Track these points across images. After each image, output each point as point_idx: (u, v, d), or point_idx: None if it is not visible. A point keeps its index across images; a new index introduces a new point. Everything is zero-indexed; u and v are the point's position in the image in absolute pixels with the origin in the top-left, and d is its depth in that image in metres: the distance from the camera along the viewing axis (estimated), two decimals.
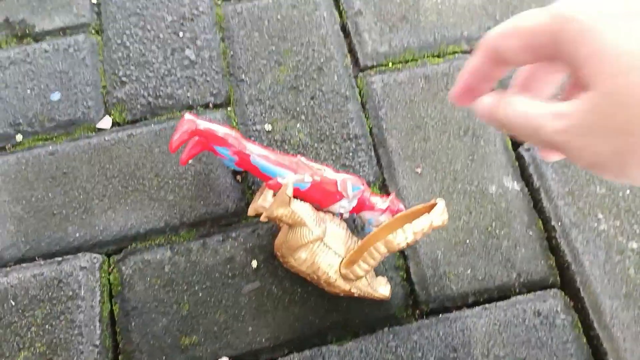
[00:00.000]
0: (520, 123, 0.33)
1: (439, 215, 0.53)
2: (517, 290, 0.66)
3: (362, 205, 0.64)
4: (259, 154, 0.63)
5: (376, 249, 0.54)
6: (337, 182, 0.62)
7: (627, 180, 0.33)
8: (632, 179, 0.32)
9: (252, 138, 0.74)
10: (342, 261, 0.60)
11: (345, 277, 0.60)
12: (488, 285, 0.66)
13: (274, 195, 0.63)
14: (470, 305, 0.65)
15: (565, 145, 0.32)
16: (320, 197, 0.63)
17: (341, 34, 0.82)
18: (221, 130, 0.63)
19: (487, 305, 0.65)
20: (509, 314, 0.64)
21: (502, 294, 0.66)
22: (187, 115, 0.63)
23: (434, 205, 0.55)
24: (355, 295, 0.62)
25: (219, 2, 0.85)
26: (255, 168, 0.63)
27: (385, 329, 0.64)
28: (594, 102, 0.30)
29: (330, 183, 0.62)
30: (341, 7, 0.84)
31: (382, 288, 0.63)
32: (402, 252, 0.68)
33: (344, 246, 0.61)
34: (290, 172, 0.63)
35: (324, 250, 0.60)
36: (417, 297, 0.66)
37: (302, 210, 0.59)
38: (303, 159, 0.65)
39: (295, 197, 0.61)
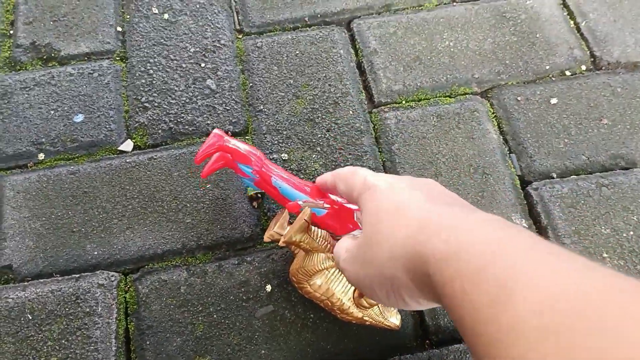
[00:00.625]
0: (334, 252, 0.50)
1: None
2: None
3: None
4: (279, 176, 0.65)
5: None
6: (354, 212, 0.64)
7: (382, 303, 0.46)
8: (381, 301, 0.44)
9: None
10: (355, 289, 0.62)
11: (358, 305, 0.61)
12: None
13: (290, 222, 0.65)
14: None
15: (344, 270, 0.47)
16: (335, 225, 0.65)
17: (357, 71, 0.86)
18: (245, 148, 0.65)
19: None
20: None
21: None
22: (216, 130, 0.65)
23: None
24: (367, 323, 0.63)
25: (240, 36, 0.88)
26: (275, 190, 0.65)
27: (396, 358, 0.65)
28: (360, 241, 0.45)
29: (348, 212, 0.64)
30: (357, 46, 0.88)
31: (392, 317, 0.65)
32: None
33: None
34: (309, 197, 0.65)
35: (338, 277, 0.62)
36: (427, 328, 0.68)
37: (321, 235, 0.61)
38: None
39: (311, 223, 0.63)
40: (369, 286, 0.44)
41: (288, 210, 0.64)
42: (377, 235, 0.42)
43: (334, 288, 0.62)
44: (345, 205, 0.63)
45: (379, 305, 0.63)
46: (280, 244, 0.61)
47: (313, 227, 0.62)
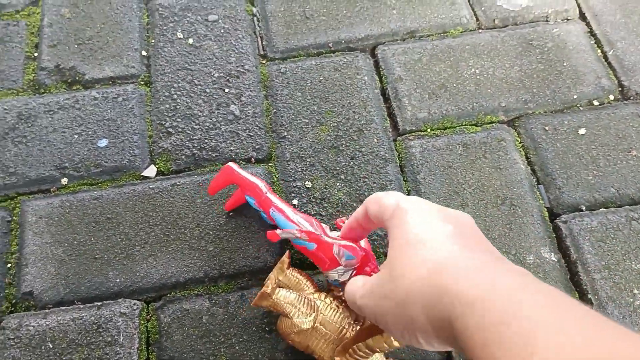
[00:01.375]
0: (347, 291, 0.50)
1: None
2: None
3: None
4: (277, 207, 0.66)
5: (367, 345, 0.54)
6: (332, 246, 0.61)
7: (396, 338, 0.46)
8: (395, 337, 0.43)
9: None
10: (336, 347, 0.59)
11: None
12: None
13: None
14: None
15: (362, 307, 0.46)
16: (323, 260, 0.62)
17: (381, 98, 0.85)
18: (251, 179, 0.67)
19: None
20: None
21: None
22: (230, 163, 0.68)
23: None
24: None
25: (264, 62, 0.88)
26: (273, 220, 0.66)
27: None
28: (381, 274, 0.44)
29: (328, 248, 0.61)
30: (382, 73, 0.87)
31: None
32: None
33: (337, 333, 0.59)
34: (300, 228, 0.63)
35: (316, 336, 0.60)
36: None
37: (288, 300, 0.60)
38: (323, 225, 0.66)
39: (298, 258, 0.62)
40: (383, 322, 0.43)
41: (267, 237, 0.64)
42: (399, 268, 0.41)
43: (313, 346, 0.60)
44: (323, 239, 0.61)
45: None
46: (266, 290, 0.60)
47: (295, 275, 0.64)
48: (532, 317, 0.30)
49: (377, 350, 0.54)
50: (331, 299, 0.61)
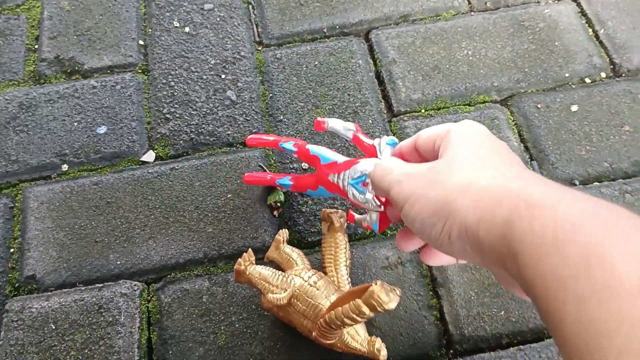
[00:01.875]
0: (383, 166, 0.46)
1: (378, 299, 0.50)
2: (550, 334, 0.67)
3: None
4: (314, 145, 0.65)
5: (336, 314, 0.53)
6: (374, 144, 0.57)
7: (420, 231, 0.40)
8: (420, 228, 0.39)
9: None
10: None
11: (323, 334, 0.59)
12: (522, 327, 0.67)
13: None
14: (504, 347, 0.66)
15: (398, 181, 0.42)
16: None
17: (376, 80, 0.86)
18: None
19: (521, 346, 0.66)
20: (544, 356, 0.65)
21: (536, 336, 0.67)
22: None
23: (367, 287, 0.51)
24: (339, 349, 0.62)
25: (260, 48, 0.89)
26: (315, 157, 0.63)
27: None
28: (435, 164, 0.41)
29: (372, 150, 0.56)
30: (376, 56, 0.88)
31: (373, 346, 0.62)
32: (435, 292, 0.69)
33: (313, 309, 0.59)
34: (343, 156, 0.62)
35: (294, 312, 0.60)
36: (451, 337, 0.67)
37: (262, 277, 0.61)
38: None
39: (296, 238, 0.63)
40: (417, 205, 0.39)
41: (315, 128, 0.63)
42: (459, 162, 0.39)
43: (293, 320, 0.61)
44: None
45: (350, 334, 0.61)
46: (238, 267, 0.62)
47: (287, 253, 0.67)
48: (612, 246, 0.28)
49: (349, 320, 0.52)
50: (317, 278, 0.62)
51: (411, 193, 0.40)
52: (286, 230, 0.70)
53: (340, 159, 0.61)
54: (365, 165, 0.54)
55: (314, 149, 0.64)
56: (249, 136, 0.72)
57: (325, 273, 0.66)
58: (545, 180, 0.36)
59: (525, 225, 0.31)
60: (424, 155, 0.46)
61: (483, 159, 0.39)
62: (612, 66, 0.87)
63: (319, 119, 0.62)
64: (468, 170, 0.38)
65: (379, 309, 0.49)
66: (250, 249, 0.63)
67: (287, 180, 0.68)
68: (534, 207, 0.32)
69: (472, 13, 0.93)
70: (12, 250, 0.73)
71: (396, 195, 0.41)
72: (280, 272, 0.63)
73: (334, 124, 0.61)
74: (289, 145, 0.67)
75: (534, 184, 0.34)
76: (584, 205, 0.31)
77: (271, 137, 0.71)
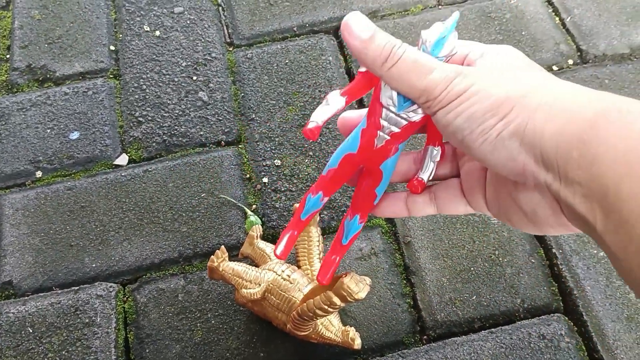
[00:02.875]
0: (408, 66, 0.34)
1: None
2: (522, 316, 0.68)
3: None
4: None
5: (308, 306, 0.54)
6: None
7: (464, 141, 0.33)
8: (468, 139, 0.33)
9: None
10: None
11: (297, 326, 0.60)
12: (493, 311, 0.68)
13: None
14: (477, 330, 0.67)
15: (444, 79, 0.33)
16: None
17: (346, 76, 0.87)
18: None
19: (493, 329, 0.67)
20: (515, 338, 0.66)
21: (507, 319, 0.68)
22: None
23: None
24: (314, 340, 0.62)
25: (231, 49, 0.90)
26: None
27: (395, 354, 0.66)
28: (486, 67, 0.34)
29: None
30: (346, 52, 0.89)
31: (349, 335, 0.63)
32: (408, 280, 0.70)
33: (287, 302, 0.60)
34: None
35: (269, 306, 0.61)
36: (424, 323, 0.68)
37: (235, 272, 0.62)
38: None
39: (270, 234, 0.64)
40: (469, 104, 0.32)
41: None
42: (526, 69, 0.34)
43: (268, 314, 0.62)
44: None
45: (324, 325, 0.62)
46: (211, 264, 0.63)
47: (261, 249, 0.66)
48: None
49: (321, 311, 0.53)
50: (291, 271, 0.62)
51: (465, 88, 0.33)
52: (260, 226, 0.70)
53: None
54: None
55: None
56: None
57: (299, 267, 0.66)
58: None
59: (617, 129, 0.27)
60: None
61: (545, 72, 0.34)
62: (579, 53, 0.88)
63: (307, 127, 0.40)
64: (533, 75, 0.33)
65: (349, 299, 0.49)
66: (223, 246, 0.63)
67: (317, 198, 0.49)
68: (631, 112, 0.28)
69: (440, 7, 0.94)
70: None
71: (446, 90, 0.33)
72: (253, 267, 0.63)
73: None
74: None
75: (616, 95, 0.30)
76: None
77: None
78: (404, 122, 0.38)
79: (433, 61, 0.34)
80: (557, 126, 0.30)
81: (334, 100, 0.38)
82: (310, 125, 0.38)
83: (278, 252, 0.43)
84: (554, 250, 0.71)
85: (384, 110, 0.38)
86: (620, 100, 0.29)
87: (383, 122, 0.38)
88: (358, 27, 0.35)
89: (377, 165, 0.41)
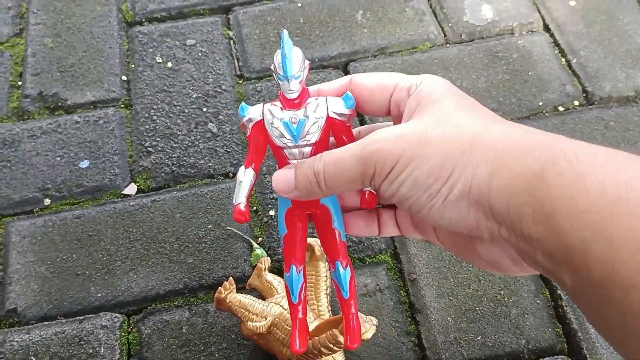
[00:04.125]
0: (335, 168, 0.36)
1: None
2: (526, 357, 0.68)
3: None
4: None
5: (313, 343, 0.54)
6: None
7: (415, 192, 0.33)
8: (413, 190, 0.33)
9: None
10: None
11: None
12: (498, 351, 0.68)
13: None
14: None
15: (377, 142, 0.34)
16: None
17: None
18: None
19: None
20: None
21: None
22: None
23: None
24: None
25: (241, 82, 0.91)
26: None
27: None
28: (422, 122, 0.34)
29: None
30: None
31: None
32: (413, 318, 0.70)
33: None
34: None
35: (274, 340, 0.61)
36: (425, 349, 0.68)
37: (242, 305, 0.62)
38: None
39: (277, 267, 0.64)
40: (409, 171, 0.32)
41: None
42: (456, 119, 0.33)
43: (273, 349, 0.62)
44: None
45: None
46: (219, 295, 0.63)
47: (268, 281, 0.67)
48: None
49: (326, 349, 0.53)
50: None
51: (399, 155, 0.32)
52: (268, 258, 0.70)
53: None
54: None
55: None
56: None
57: (306, 302, 0.66)
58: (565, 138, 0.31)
59: (570, 182, 0.27)
60: (367, 107, 0.39)
61: (479, 110, 0.34)
62: (584, 94, 0.89)
63: (236, 212, 0.41)
64: (469, 122, 0.33)
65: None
66: (231, 278, 0.64)
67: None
68: (580, 162, 0.27)
69: (448, 45, 0.95)
70: None
71: (380, 164, 0.33)
72: (260, 300, 0.63)
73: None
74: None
75: (562, 139, 0.30)
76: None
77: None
78: (308, 148, 0.39)
79: (351, 147, 0.35)
80: (504, 181, 0.29)
81: (244, 176, 0.41)
82: (241, 207, 0.40)
83: (296, 347, 0.46)
84: (559, 292, 0.71)
85: (286, 150, 0.40)
86: (567, 147, 0.29)
87: (292, 161, 0.40)
88: (283, 185, 0.38)
89: (317, 204, 0.42)
